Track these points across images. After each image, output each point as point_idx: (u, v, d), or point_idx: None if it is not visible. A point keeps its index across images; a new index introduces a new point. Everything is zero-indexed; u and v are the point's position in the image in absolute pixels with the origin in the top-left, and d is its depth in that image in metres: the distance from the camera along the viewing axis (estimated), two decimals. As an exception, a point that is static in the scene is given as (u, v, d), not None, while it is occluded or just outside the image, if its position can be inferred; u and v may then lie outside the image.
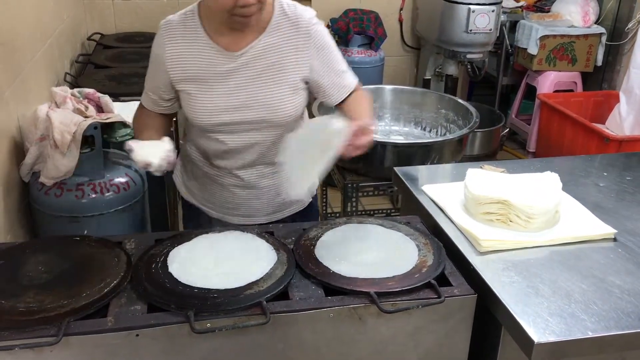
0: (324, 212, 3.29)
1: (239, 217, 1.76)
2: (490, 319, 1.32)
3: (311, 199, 1.87)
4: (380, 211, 3.40)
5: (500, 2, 3.41)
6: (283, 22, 1.57)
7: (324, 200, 3.25)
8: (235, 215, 1.77)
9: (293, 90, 1.60)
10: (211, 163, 1.70)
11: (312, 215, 1.88)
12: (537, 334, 1.16)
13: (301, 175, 1.38)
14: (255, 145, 1.64)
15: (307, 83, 1.63)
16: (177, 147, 2.07)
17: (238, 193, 1.71)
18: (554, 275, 1.35)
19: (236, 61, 1.55)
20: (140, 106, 1.70)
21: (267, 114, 1.58)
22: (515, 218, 1.51)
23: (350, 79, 1.68)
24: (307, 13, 1.60)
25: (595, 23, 4.02)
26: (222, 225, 1.67)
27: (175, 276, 1.30)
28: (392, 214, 3.39)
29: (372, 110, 1.70)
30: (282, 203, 1.77)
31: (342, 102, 1.68)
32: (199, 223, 1.81)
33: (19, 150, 1.92)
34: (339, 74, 1.65)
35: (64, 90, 1.98)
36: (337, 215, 3.34)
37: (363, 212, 3.28)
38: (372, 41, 3.65)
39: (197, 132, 1.66)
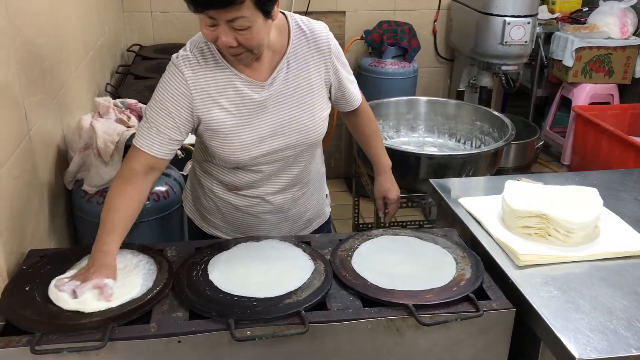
0: (356, 222, 3.29)
1: None
2: (528, 333, 1.31)
3: (330, 212, 1.89)
4: (412, 222, 3.39)
5: (536, 14, 3.38)
6: (302, 41, 1.53)
7: (356, 211, 3.26)
8: None
9: (322, 107, 1.59)
10: (240, 195, 1.64)
11: (328, 229, 1.90)
12: (578, 350, 1.15)
13: None
14: (290, 170, 1.62)
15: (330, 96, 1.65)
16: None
17: (269, 219, 1.69)
18: (595, 290, 1.34)
19: (266, 90, 1.49)
20: (132, 157, 1.46)
21: (302, 135, 1.56)
22: (554, 232, 1.49)
23: (358, 89, 1.74)
24: (322, 28, 1.57)
25: (634, 34, 3.96)
26: None
27: (215, 284, 1.33)
28: (424, 226, 3.37)
29: (379, 132, 1.92)
30: (308, 219, 1.78)
31: (350, 111, 1.76)
32: None
33: (62, 159, 1.97)
34: (351, 83, 1.69)
35: (107, 101, 2.03)
36: (369, 226, 3.34)
37: (395, 223, 3.28)
38: (406, 53, 3.65)
39: (226, 168, 1.59)
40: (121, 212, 1.39)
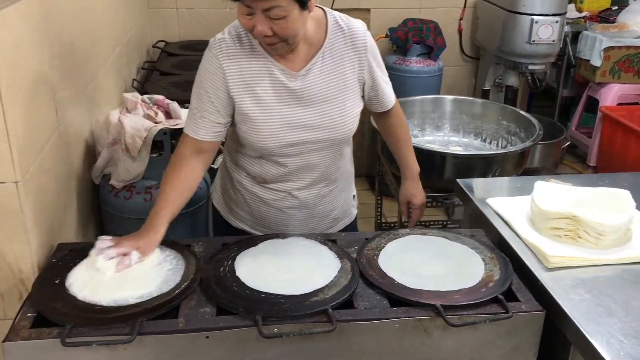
0: (379, 222, 3.28)
1: None
2: (557, 336, 1.29)
3: (357, 213, 1.87)
4: (435, 222, 3.37)
5: (565, 13, 3.33)
6: (339, 37, 1.54)
7: (379, 210, 3.24)
8: None
9: (354, 104, 1.59)
10: (268, 188, 1.65)
11: (354, 229, 1.88)
12: (611, 355, 1.13)
13: None
14: (316, 165, 1.61)
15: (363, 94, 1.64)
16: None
17: (295, 214, 1.68)
18: (627, 295, 1.31)
19: (299, 80, 1.50)
20: (180, 142, 1.55)
21: (331, 132, 1.56)
22: (585, 234, 1.47)
23: (392, 91, 1.73)
24: (360, 25, 1.58)
25: (665, 34, 3.89)
26: None
27: (242, 280, 1.33)
28: (448, 226, 3.35)
29: (410, 137, 1.91)
30: (335, 218, 1.77)
31: (381, 112, 1.77)
32: None
33: (90, 154, 1.99)
34: (386, 84, 1.68)
35: (134, 97, 2.05)
36: (392, 225, 3.33)
37: (418, 223, 3.25)
38: (431, 51, 3.62)
39: (254, 158, 1.61)
40: (167, 193, 1.48)
